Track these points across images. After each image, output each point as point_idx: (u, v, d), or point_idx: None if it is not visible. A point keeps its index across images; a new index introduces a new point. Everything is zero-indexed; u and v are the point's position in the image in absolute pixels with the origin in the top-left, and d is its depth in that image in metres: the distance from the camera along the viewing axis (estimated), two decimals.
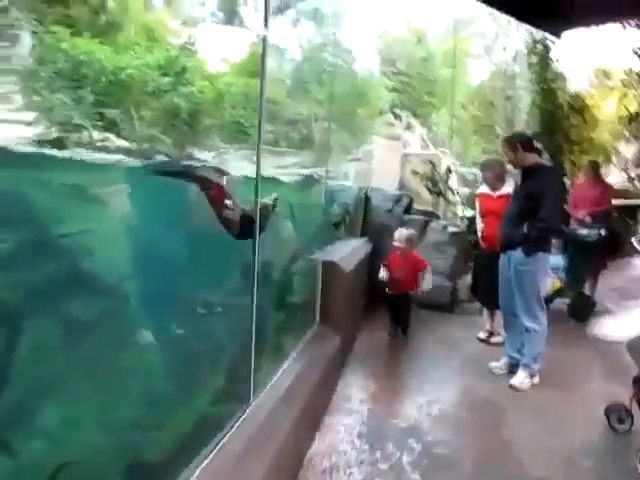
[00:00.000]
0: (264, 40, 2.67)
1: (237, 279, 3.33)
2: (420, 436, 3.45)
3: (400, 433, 3.49)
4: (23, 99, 7.96)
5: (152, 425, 2.70)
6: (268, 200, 3.30)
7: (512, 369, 4.42)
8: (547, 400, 4.02)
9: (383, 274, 5.14)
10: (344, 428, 3.51)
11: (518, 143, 4.27)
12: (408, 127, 15.04)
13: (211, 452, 2.26)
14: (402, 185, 10.72)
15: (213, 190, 3.08)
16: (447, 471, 3.10)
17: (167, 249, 3.11)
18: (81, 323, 2.72)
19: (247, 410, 2.69)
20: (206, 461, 2.20)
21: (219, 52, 11.65)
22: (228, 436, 2.43)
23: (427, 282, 5.12)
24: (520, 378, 4.25)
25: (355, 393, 4.07)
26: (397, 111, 15.93)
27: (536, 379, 4.29)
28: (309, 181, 5.70)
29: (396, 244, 5.15)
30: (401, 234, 5.20)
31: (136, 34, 10.38)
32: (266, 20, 2.65)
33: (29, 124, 7.42)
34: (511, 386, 4.21)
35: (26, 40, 8.59)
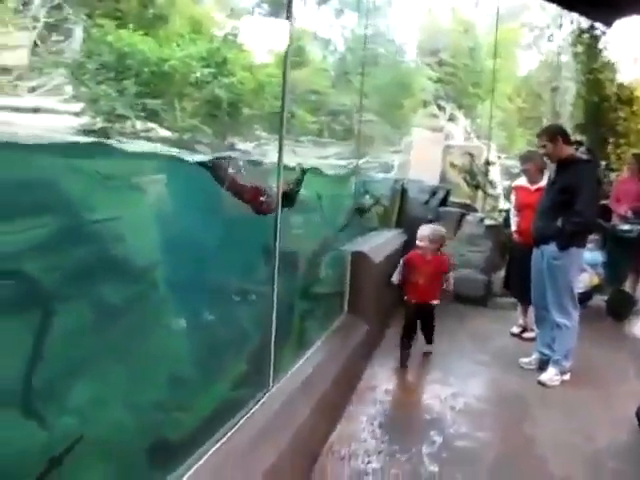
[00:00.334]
0: (289, 39, 2.71)
1: (258, 265, 3.40)
2: (442, 429, 3.44)
3: (422, 425, 3.50)
4: (73, 90, 8.27)
5: (175, 406, 2.80)
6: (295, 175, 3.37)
7: (542, 365, 4.34)
8: (576, 398, 3.94)
9: (395, 277, 4.55)
10: (366, 418, 3.53)
11: (559, 135, 4.18)
12: (452, 119, 14.83)
13: (226, 434, 2.33)
14: (443, 177, 10.61)
15: (249, 194, 3.16)
16: (466, 465, 3.07)
17: (192, 235, 3.19)
18: (112, 307, 2.83)
19: (266, 395, 2.75)
20: (221, 442, 2.27)
21: (262, 43, 11.74)
22: (245, 419, 2.49)
23: (449, 283, 4.58)
24: (550, 374, 4.17)
25: (380, 384, 4.08)
26: (441, 103, 15.71)
27: (566, 376, 4.20)
28: (342, 171, 5.71)
29: (419, 243, 4.45)
30: (423, 232, 4.45)
31: (181, 26, 10.59)
32: (289, 14, 2.67)
33: (76, 114, 7.71)
34: (540, 382, 4.14)
35: (78, 34, 8.90)
